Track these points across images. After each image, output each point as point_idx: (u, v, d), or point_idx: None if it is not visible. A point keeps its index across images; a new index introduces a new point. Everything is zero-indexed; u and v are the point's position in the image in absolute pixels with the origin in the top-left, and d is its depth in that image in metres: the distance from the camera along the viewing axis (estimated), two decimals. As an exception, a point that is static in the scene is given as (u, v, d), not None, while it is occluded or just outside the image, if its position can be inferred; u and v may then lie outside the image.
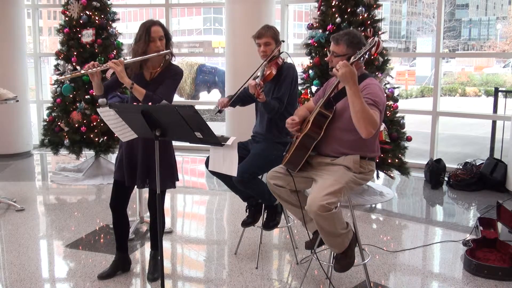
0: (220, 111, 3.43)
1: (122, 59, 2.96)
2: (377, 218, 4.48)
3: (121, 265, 3.24)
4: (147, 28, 2.95)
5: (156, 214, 3.08)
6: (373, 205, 4.76)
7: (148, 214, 3.33)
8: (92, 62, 2.95)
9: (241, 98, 3.54)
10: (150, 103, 2.85)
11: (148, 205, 3.20)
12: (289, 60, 3.41)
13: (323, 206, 2.52)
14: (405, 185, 5.55)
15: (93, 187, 5.36)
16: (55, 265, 3.48)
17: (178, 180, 3.15)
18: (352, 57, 2.62)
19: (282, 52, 3.46)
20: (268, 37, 3.29)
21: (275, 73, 3.25)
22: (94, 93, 3.12)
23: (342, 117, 2.72)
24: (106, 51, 5.50)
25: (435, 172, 5.40)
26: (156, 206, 2.97)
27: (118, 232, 3.22)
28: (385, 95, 4.69)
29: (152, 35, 2.94)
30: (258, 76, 3.27)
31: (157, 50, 2.96)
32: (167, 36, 3.03)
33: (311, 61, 4.94)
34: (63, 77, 3.19)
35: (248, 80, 3.25)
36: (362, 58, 2.68)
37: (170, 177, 3.06)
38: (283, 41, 3.42)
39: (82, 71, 2.94)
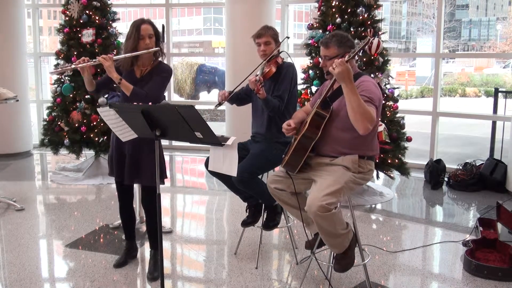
0: (220, 103, 3.43)
1: (111, 54, 3.08)
2: (377, 218, 4.48)
3: (130, 252, 3.39)
4: (137, 26, 3.05)
5: (150, 213, 3.18)
6: (373, 206, 4.76)
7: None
8: (82, 58, 3.06)
9: (240, 97, 3.54)
10: (136, 99, 2.94)
11: (141, 203, 3.27)
12: (289, 60, 3.42)
13: (322, 207, 2.52)
14: (405, 185, 5.55)
15: (93, 187, 5.36)
16: (54, 264, 3.47)
17: (166, 177, 3.24)
18: (347, 56, 2.64)
19: (282, 52, 3.48)
20: (268, 36, 3.34)
21: (275, 70, 3.28)
22: (86, 89, 3.24)
23: (339, 116, 2.73)
24: (106, 50, 5.49)
25: (435, 173, 5.39)
26: (148, 204, 3.15)
27: (124, 223, 3.39)
28: (385, 95, 4.72)
29: (141, 32, 3.04)
30: (258, 74, 3.28)
31: (147, 47, 3.05)
32: (157, 35, 3.11)
33: (311, 61, 4.94)
34: (54, 70, 3.27)
35: (248, 76, 3.26)
36: (356, 57, 2.70)
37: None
38: (288, 37, 3.43)
39: (73, 66, 3.05)
